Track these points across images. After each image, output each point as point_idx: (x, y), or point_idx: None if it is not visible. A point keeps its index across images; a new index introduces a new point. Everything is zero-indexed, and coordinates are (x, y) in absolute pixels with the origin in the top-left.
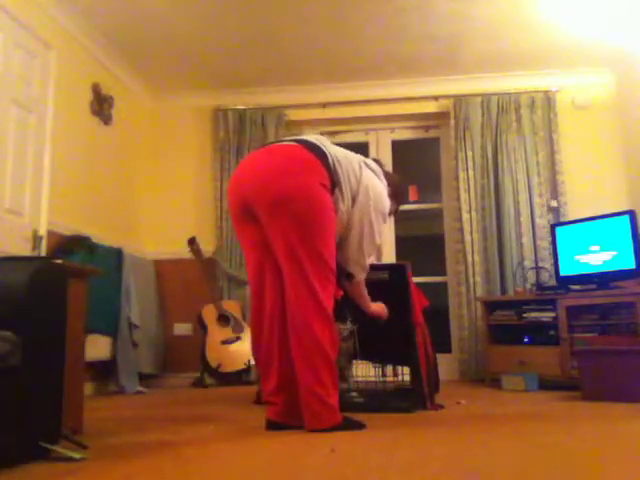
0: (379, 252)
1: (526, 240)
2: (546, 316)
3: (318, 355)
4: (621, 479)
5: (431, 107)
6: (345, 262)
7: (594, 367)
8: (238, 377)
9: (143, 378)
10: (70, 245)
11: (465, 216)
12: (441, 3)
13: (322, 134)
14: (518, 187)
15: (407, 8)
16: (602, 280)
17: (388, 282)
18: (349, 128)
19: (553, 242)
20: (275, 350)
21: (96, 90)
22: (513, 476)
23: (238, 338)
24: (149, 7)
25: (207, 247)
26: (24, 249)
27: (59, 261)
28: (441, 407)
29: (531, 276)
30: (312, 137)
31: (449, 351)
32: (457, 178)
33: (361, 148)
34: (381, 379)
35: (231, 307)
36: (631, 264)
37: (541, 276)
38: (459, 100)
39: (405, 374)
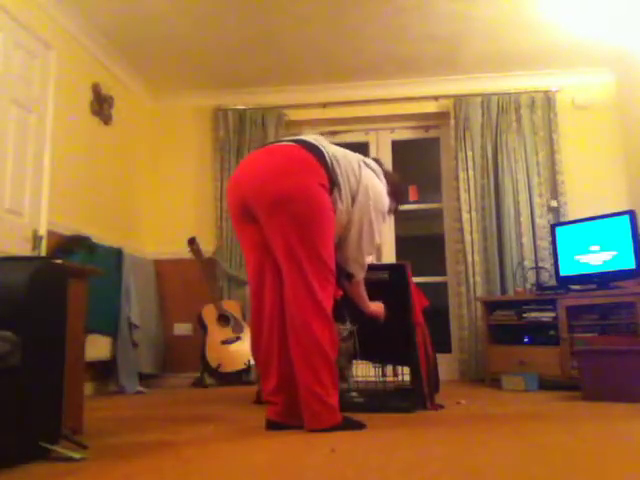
0: (378, 252)
1: (526, 240)
2: (546, 316)
3: (317, 355)
4: (621, 479)
5: (431, 107)
6: (344, 261)
7: (594, 367)
8: (238, 377)
9: (143, 378)
10: (70, 245)
11: (465, 216)
12: (441, 3)
13: (322, 134)
14: (518, 187)
15: (407, 8)
16: (602, 280)
17: (388, 282)
18: (349, 128)
19: (553, 242)
20: (275, 350)
21: (96, 90)
22: (513, 476)
23: (238, 338)
24: (149, 7)
25: (207, 247)
26: (24, 249)
27: (59, 261)
28: (441, 407)
29: (531, 276)
30: (311, 137)
31: (449, 351)
32: (457, 178)
33: (361, 148)
34: (381, 379)
35: (231, 307)
36: (631, 264)
37: (541, 276)
38: (459, 100)
39: (405, 374)
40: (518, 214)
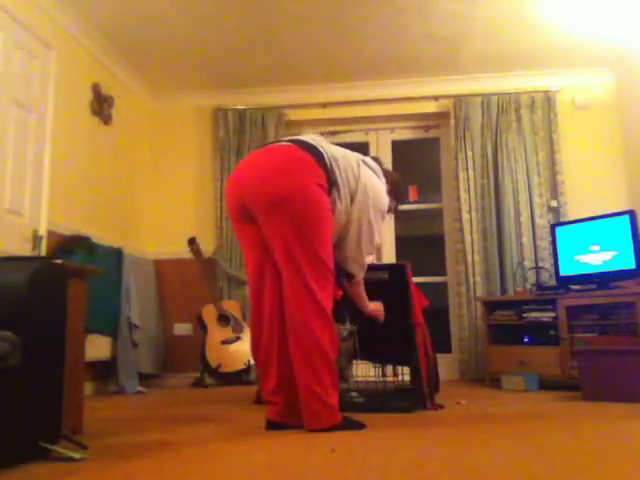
0: (378, 252)
1: (526, 240)
2: (546, 316)
3: (317, 355)
4: (621, 479)
5: (431, 107)
6: (344, 261)
7: (594, 367)
8: (238, 377)
9: (143, 378)
10: (70, 245)
11: (465, 216)
12: (441, 3)
13: (322, 134)
14: (518, 187)
15: (407, 8)
16: (602, 280)
17: (388, 282)
18: (349, 128)
19: (553, 242)
20: (274, 350)
21: (96, 90)
22: (513, 476)
23: (238, 338)
24: (149, 7)
25: (207, 247)
26: (24, 249)
27: (59, 261)
28: (441, 407)
29: (531, 276)
30: (309, 137)
31: (449, 351)
32: (457, 178)
33: (361, 148)
34: (381, 379)
35: (231, 307)
36: (631, 264)
37: (541, 276)
38: (459, 100)
39: (405, 374)
40: (518, 214)
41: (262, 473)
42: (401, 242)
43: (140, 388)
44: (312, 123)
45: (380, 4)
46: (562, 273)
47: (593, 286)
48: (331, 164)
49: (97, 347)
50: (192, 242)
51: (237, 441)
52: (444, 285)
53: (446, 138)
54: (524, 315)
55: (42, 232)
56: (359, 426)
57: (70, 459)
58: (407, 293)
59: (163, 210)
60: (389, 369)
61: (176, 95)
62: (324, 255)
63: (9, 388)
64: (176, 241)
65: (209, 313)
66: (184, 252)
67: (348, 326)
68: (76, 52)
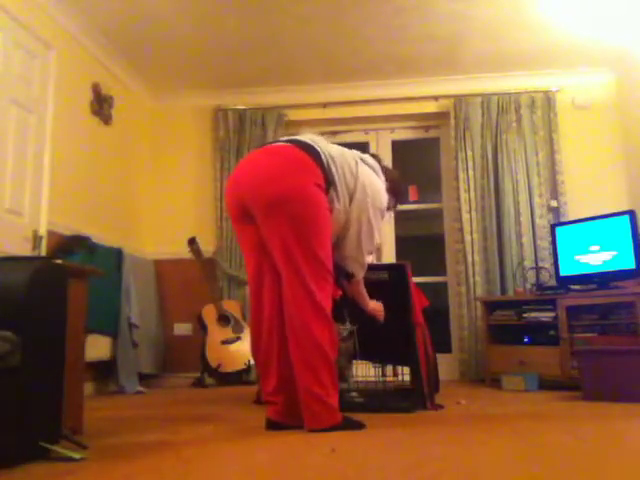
0: (378, 252)
1: (526, 240)
2: (546, 316)
3: (317, 356)
4: (621, 479)
5: (431, 107)
6: (344, 260)
7: (594, 367)
8: (238, 377)
9: (143, 378)
10: (70, 245)
11: (465, 216)
12: (441, 3)
13: (322, 134)
14: (518, 187)
15: (407, 8)
16: (602, 280)
17: (388, 282)
18: (349, 128)
19: (553, 242)
20: (274, 351)
21: (96, 90)
22: (513, 476)
23: (238, 338)
24: (149, 7)
25: (207, 247)
26: (24, 249)
27: (59, 261)
28: (441, 407)
29: (531, 276)
30: (306, 137)
31: (449, 351)
32: (457, 178)
33: (361, 148)
34: (381, 379)
35: (231, 307)
36: (631, 264)
37: (541, 276)
38: (459, 100)
39: (405, 374)
40: (518, 214)
41: (262, 473)
42: (401, 242)
43: (140, 388)
44: (312, 123)
45: (380, 4)
46: (562, 273)
47: (593, 286)
48: (328, 163)
49: (97, 347)
50: (192, 242)
51: (237, 441)
52: (444, 285)
53: (446, 138)
54: (524, 315)
55: (42, 232)
56: (359, 426)
57: (70, 459)
58: (407, 293)
59: (163, 210)
60: (389, 369)
61: (176, 95)
62: (323, 255)
63: (9, 388)
64: (176, 241)
65: (209, 313)
66: (184, 252)
67: (348, 326)
68: (76, 52)
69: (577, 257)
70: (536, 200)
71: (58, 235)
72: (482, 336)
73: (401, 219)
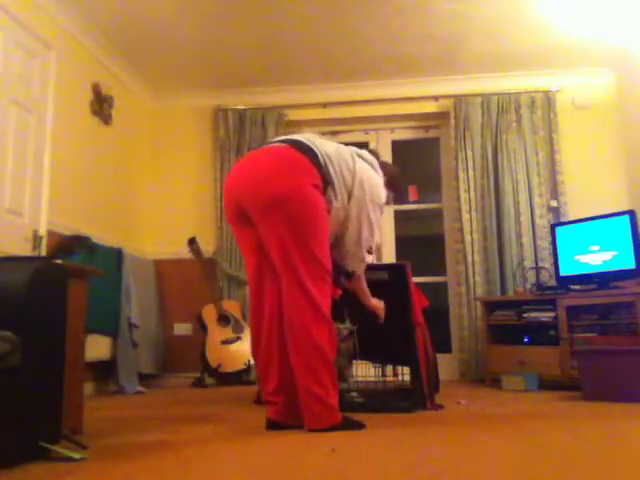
0: (378, 252)
1: (526, 240)
2: (546, 316)
3: (316, 357)
4: (621, 479)
5: (431, 107)
6: (344, 256)
7: (594, 367)
8: (238, 377)
9: (143, 378)
10: (70, 245)
11: (465, 216)
12: (441, 3)
13: (322, 134)
14: (518, 187)
15: (407, 8)
16: (602, 280)
17: (388, 282)
18: (349, 128)
19: (553, 242)
20: (275, 352)
21: (96, 90)
22: (513, 476)
23: (238, 338)
24: (149, 7)
25: (207, 247)
26: (24, 249)
27: (59, 261)
28: (441, 407)
29: (531, 276)
30: (302, 136)
31: (449, 351)
32: (457, 178)
33: (361, 148)
34: (381, 379)
35: (231, 307)
36: (631, 264)
37: (541, 276)
38: (459, 100)
39: (405, 374)
40: (518, 214)
41: (262, 473)
42: (401, 242)
43: (140, 388)
44: (312, 123)
45: (380, 4)
46: (562, 273)
47: (593, 286)
48: (325, 163)
49: (97, 347)
50: (192, 242)
51: (237, 441)
52: (444, 285)
53: (446, 138)
54: (524, 315)
55: (42, 232)
56: (359, 426)
57: (70, 459)
58: (407, 293)
59: (163, 210)
60: (389, 369)
61: (176, 95)
62: (320, 255)
63: (9, 388)
64: (176, 241)
65: (209, 313)
66: (184, 252)
67: (348, 325)
68: (76, 52)
69: (577, 257)
70: (536, 200)
71: (58, 235)
72: (482, 336)
73: (401, 219)
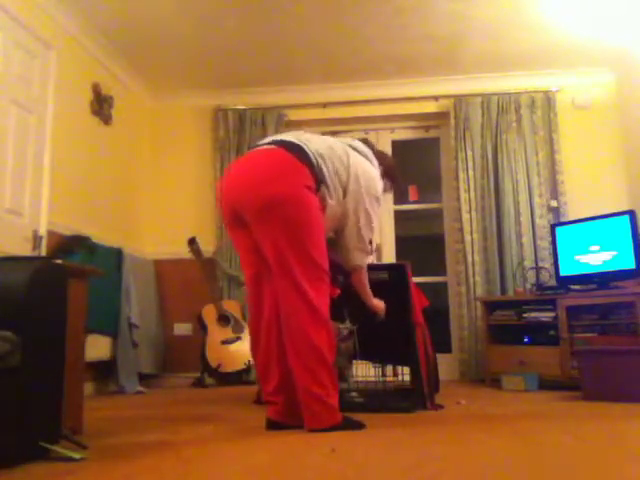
0: (378, 252)
1: (526, 240)
2: (546, 316)
3: (315, 358)
4: (621, 479)
5: (431, 107)
6: (346, 252)
7: (594, 367)
8: (238, 377)
9: (143, 378)
10: (70, 245)
11: (465, 216)
12: (441, 3)
13: (322, 134)
14: (518, 187)
15: (407, 8)
16: (602, 280)
17: (388, 282)
18: (349, 128)
19: (553, 242)
20: (274, 352)
21: (96, 90)
22: (513, 476)
23: (238, 338)
24: (149, 7)
25: (207, 247)
26: (24, 249)
27: (59, 261)
28: (441, 407)
29: (531, 276)
30: (292, 135)
31: (449, 351)
32: (457, 178)
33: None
34: (381, 379)
35: (231, 307)
36: (631, 264)
37: (541, 276)
38: (459, 100)
39: (405, 374)
40: (518, 214)
41: (262, 473)
42: (401, 242)
43: (140, 388)
44: (312, 123)
45: (380, 4)
46: (562, 273)
47: (593, 286)
48: (317, 162)
49: (97, 347)
50: (192, 242)
51: (237, 441)
52: (444, 285)
53: (446, 138)
54: (524, 315)
55: (42, 232)
56: (359, 426)
57: (70, 459)
58: (407, 293)
59: (163, 210)
60: (389, 369)
61: (176, 95)
62: (317, 255)
63: (9, 388)
64: (176, 241)
65: (209, 313)
66: (184, 252)
67: (348, 325)
68: (76, 52)
69: (577, 257)
70: (536, 200)
71: (58, 235)
72: (482, 336)
73: (401, 219)
